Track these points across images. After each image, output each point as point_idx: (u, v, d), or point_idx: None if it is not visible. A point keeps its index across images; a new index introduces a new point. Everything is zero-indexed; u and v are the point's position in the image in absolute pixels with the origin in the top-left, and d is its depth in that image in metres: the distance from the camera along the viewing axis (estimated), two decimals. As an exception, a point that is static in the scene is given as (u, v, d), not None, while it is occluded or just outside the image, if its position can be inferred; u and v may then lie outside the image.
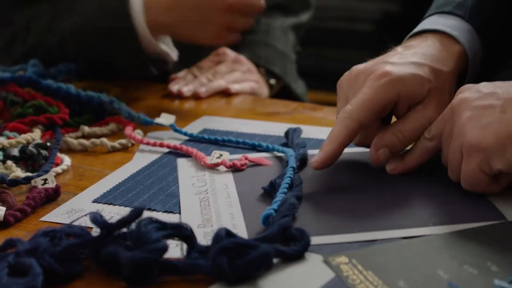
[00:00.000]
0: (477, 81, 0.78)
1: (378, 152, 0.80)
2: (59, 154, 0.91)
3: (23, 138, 0.92)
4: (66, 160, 0.90)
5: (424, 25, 0.89)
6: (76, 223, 0.71)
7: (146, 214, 0.73)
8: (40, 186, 0.80)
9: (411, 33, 0.89)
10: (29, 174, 0.84)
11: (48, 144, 0.91)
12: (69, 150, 0.95)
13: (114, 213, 0.75)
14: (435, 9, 0.92)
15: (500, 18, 0.92)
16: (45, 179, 0.81)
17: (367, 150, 0.88)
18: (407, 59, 0.81)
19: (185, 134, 0.98)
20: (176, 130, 0.99)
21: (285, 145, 0.92)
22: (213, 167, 0.86)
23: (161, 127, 1.01)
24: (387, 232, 0.68)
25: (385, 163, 0.80)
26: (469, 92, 0.74)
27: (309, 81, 1.53)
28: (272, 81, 1.33)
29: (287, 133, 0.94)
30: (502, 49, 0.94)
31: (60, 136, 0.96)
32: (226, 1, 1.11)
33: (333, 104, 1.19)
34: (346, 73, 0.84)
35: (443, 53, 0.84)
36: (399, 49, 0.85)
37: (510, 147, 0.69)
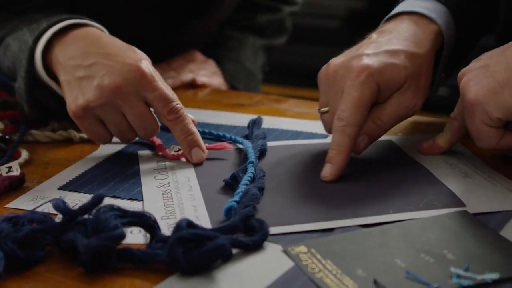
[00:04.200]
0: (449, 63, 0.81)
1: (358, 140, 0.80)
2: (19, 149, 0.89)
3: (-20, 131, 0.91)
4: (24, 154, 0.88)
5: (400, 7, 0.90)
6: (40, 209, 0.71)
7: (111, 201, 0.74)
8: (4, 174, 0.80)
9: (387, 16, 0.90)
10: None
11: (7, 137, 0.90)
12: (36, 143, 0.94)
13: (78, 200, 0.76)
14: None
15: (473, 3, 0.93)
16: (10, 167, 0.81)
17: (327, 141, 0.89)
18: (382, 47, 0.82)
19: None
20: None
21: (247, 136, 0.93)
22: (173, 158, 0.87)
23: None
24: (346, 221, 0.69)
25: (363, 150, 0.81)
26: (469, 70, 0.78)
27: (277, 76, 1.53)
28: None
29: (249, 124, 0.96)
30: (472, 33, 0.95)
31: (24, 130, 0.94)
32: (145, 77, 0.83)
33: (299, 97, 1.21)
34: (324, 67, 0.84)
35: (418, 35, 0.85)
36: (374, 36, 0.85)
37: (501, 94, 0.72)
